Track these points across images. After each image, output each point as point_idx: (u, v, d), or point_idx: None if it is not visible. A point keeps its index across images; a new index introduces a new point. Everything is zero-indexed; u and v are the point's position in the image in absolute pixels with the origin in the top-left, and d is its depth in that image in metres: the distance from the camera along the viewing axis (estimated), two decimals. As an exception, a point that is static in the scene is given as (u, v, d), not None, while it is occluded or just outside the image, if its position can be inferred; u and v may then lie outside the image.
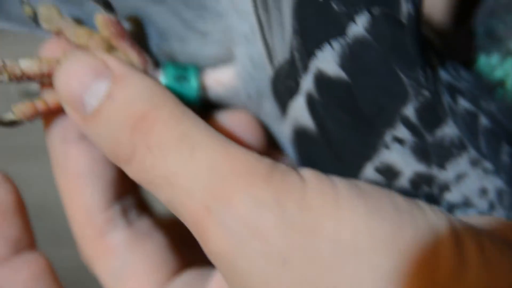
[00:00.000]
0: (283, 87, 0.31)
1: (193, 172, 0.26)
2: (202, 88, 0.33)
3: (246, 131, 0.34)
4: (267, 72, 0.32)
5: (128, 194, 0.33)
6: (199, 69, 0.33)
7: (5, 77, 0.31)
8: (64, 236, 0.35)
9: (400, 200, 0.26)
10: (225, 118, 0.34)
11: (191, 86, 0.33)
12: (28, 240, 0.33)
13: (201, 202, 0.26)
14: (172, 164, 0.27)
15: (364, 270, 0.24)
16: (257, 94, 0.33)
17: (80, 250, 0.33)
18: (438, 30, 0.34)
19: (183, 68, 0.33)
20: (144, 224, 0.34)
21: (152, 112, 0.28)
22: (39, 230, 0.35)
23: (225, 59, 0.33)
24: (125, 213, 0.33)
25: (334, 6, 0.28)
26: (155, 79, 0.29)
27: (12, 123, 0.31)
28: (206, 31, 0.33)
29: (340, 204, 0.25)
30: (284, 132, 0.33)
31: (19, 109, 0.31)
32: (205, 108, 0.34)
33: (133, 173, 0.28)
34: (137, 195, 0.35)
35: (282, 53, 0.31)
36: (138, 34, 0.33)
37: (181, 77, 0.33)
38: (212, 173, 0.26)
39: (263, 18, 0.31)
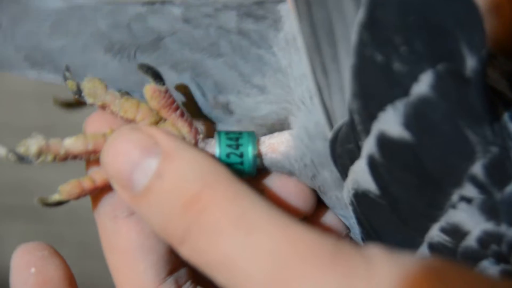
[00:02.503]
0: (343, 150, 0.31)
1: (252, 255, 0.25)
2: (258, 155, 0.33)
3: (296, 196, 0.33)
4: (326, 138, 0.31)
5: (181, 266, 0.32)
6: (254, 136, 0.33)
7: (49, 157, 0.30)
8: (93, 241, 0.34)
9: (475, 275, 0.25)
10: (274, 182, 0.33)
11: (247, 155, 0.32)
12: None
13: (260, 286, 0.25)
14: (228, 248, 0.26)
15: None
16: (313, 163, 0.32)
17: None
18: (503, 69, 0.32)
19: (237, 136, 0.32)
20: None
21: (204, 192, 0.27)
22: (68, 237, 0.33)
23: (283, 118, 0.33)
24: (179, 287, 0.32)
25: (396, 66, 0.28)
26: (207, 154, 0.29)
27: (58, 203, 0.31)
28: (264, 86, 0.32)
29: None
30: (342, 198, 0.32)
31: (65, 189, 0.31)
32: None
33: (185, 254, 0.27)
34: (190, 266, 0.33)
35: (341, 116, 0.30)
36: (188, 103, 0.33)
37: (236, 145, 0.32)
38: (273, 256, 0.25)
39: (322, 82, 0.30)
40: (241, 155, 0.32)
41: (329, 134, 0.31)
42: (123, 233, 0.31)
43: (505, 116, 0.28)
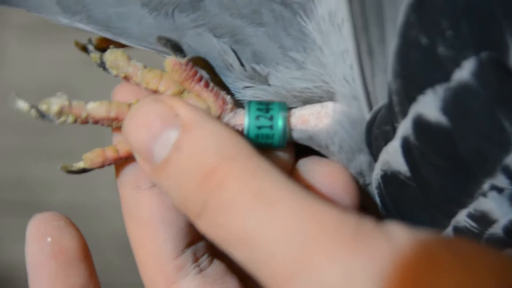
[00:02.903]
0: (380, 132, 0.30)
1: (272, 231, 0.24)
2: (288, 126, 0.32)
3: (338, 185, 0.32)
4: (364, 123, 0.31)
5: (200, 239, 0.32)
6: (285, 104, 0.32)
7: (70, 118, 0.30)
8: (91, 238, 0.34)
9: (503, 259, 0.25)
10: (313, 169, 0.32)
11: (277, 120, 0.31)
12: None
13: (283, 265, 0.24)
14: (247, 224, 0.25)
15: None
16: (351, 149, 0.32)
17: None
18: None
19: (268, 105, 0.32)
20: (216, 270, 0.32)
21: (223, 165, 0.26)
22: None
23: (318, 95, 0.32)
24: (196, 259, 0.32)
25: (441, 50, 0.27)
26: (228, 127, 0.28)
27: (82, 171, 0.31)
28: (302, 61, 0.32)
29: (434, 268, 0.23)
30: (372, 180, 0.32)
31: (88, 157, 0.31)
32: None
33: (203, 228, 0.27)
34: (208, 240, 0.33)
35: (382, 98, 0.30)
36: (209, 74, 0.32)
37: (266, 109, 0.31)
38: (293, 232, 0.24)
39: (366, 63, 0.30)
40: (271, 118, 0.31)
41: (368, 116, 0.30)
42: (145, 204, 0.31)
43: None
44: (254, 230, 0.25)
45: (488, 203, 0.28)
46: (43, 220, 0.32)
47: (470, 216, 0.28)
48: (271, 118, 0.31)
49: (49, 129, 0.29)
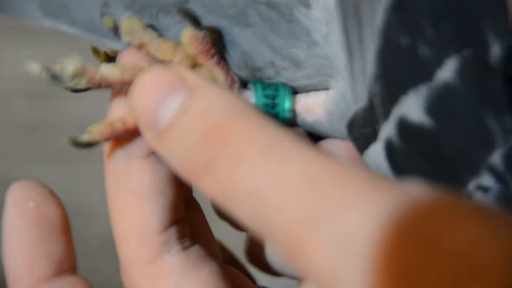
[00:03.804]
0: (359, 134, 0.30)
1: (286, 185, 0.23)
2: (293, 114, 0.32)
3: (354, 156, 0.31)
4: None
5: (184, 221, 0.31)
6: (291, 90, 0.32)
7: (83, 81, 0.29)
8: (85, 239, 0.34)
9: None
10: (327, 143, 0.32)
11: (283, 106, 0.31)
12: (71, 262, 0.31)
13: (295, 218, 0.23)
14: (257, 177, 0.24)
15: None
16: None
17: (125, 275, 0.31)
18: None
19: (274, 87, 0.32)
20: (198, 250, 0.31)
21: (230, 122, 0.25)
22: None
23: (321, 88, 0.32)
24: (180, 237, 0.31)
25: (422, 50, 0.27)
26: (236, 93, 0.28)
27: (89, 145, 0.30)
28: (297, 59, 0.31)
29: (453, 216, 0.22)
30: None
31: (96, 130, 0.30)
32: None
33: (208, 188, 0.25)
34: (196, 223, 0.33)
35: (362, 99, 0.29)
36: (218, 45, 0.32)
37: (272, 96, 0.31)
38: (310, 185, 0.23)
39: (348, 63, 0.30)
40: (276, 107, 0.31)
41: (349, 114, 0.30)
42: (136, 173, 0.30)
43: None
44: (263, 183, 0.24)
45: None
46: (26, 186, 0.31)
47: None
48: (276, 107, 0.31)
49: (38, 130, 0.29)
